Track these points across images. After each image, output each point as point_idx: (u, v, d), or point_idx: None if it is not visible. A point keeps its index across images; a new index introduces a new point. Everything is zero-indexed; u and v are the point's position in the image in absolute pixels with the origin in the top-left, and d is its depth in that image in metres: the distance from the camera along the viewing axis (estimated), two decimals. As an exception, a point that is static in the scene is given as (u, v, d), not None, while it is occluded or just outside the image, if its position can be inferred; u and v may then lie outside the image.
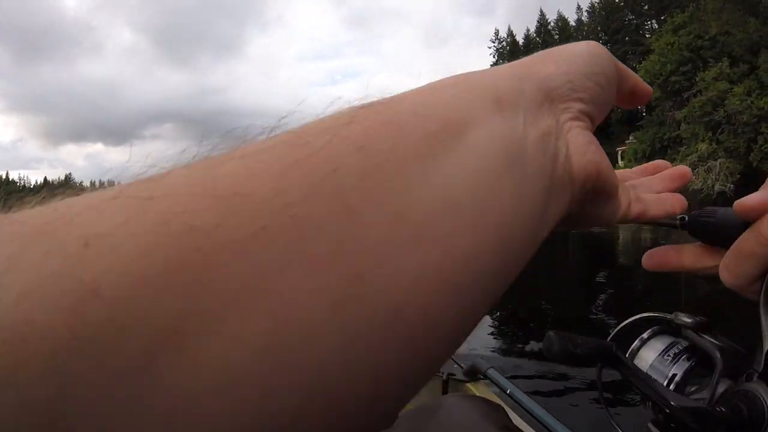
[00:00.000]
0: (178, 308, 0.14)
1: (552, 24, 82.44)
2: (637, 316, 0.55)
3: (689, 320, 0.47)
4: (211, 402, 0.14)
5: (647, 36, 64.69)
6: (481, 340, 5.25)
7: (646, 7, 65.83)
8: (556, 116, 0.27)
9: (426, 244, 0.18)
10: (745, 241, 0.38)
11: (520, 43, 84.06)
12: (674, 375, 0.44)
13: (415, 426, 0.88)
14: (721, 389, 0.40)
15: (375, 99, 0.23)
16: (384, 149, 0.19)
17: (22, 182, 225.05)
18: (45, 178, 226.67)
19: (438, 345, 0.20)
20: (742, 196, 0.36)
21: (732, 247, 0.38)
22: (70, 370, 0.13)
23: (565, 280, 9.76)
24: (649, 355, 0.46)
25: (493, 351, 4.95)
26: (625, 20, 67.43)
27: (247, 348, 0.15)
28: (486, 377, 1.87)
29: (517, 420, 1.40)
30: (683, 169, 0.45)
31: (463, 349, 3.85)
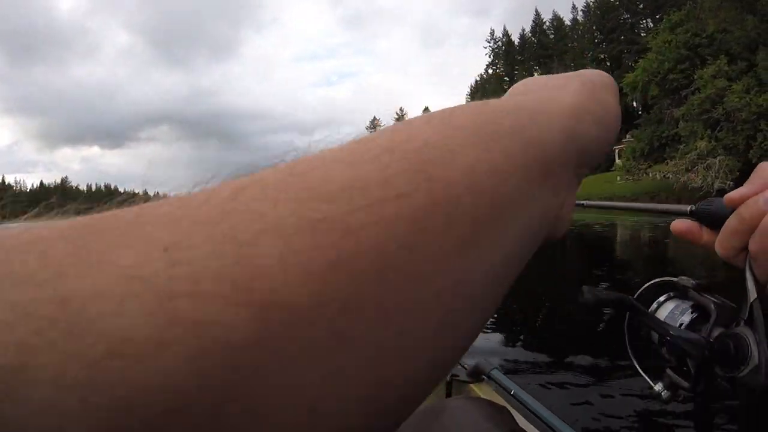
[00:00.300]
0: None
1: (547, 24, 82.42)
2: (653, 281, 0.68)
3: (692, 282, 0.58)
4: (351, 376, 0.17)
5: (642, 35, 64.52)
6: (485, 340, 5.18)
7: (641, 5, 65.70)
8: (573, 185, 0.30)
9: (478, 292, 0.22)
10: (730, 221, 0.51)
11: (516, 43, 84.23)
12: (681, 324, 0.54)
13: (419, 429, 0.90)
14: (715, 333, 0.51)
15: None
16: (443, 228, 0.20)
17: (18, 186, 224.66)
18: (41, 182, 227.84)
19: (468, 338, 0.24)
20: (741, 193, 0.50)
21: (722, 227, 0.52)
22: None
23: (565, 278, 9.53)
24: (662, 314, 0.57)
25: (496, 351, 4.83)
26: (621, 19, 67.21)
27: (363, 353, 0.17)
28: (490, 378, 1.88)
29: (522, 422, 1.43)
30: None
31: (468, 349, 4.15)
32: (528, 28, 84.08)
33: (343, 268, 0.17)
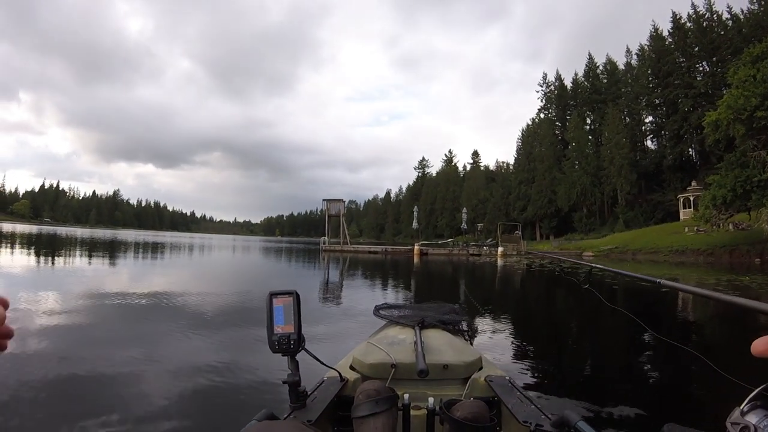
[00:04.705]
0: None
1: (600, 67, 78.58)
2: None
3: None
4: None
5: (698, 78, 60.16)
6: (571, 390, 4.70)
7: (696, 48, 61.44)
8: None
9: None
10: None
11: (568, 87, 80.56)
12: None
13: None
14: None
15: None
16: None
17: (72, 192, 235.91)
18: (94, 192, 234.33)
19: None
20: None
21: None
22: None
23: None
24: (749, 421, 0.48)
25: (583, 402, 4.26)
26: (676, 62, 62.59)
27: None
28: (576, 431, 1.69)
29: None
30: None
31: (551, 399, 4.30)
32: (581, 72, 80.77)
33: None
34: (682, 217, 49.78)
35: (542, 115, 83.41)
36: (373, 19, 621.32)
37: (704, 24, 61.25)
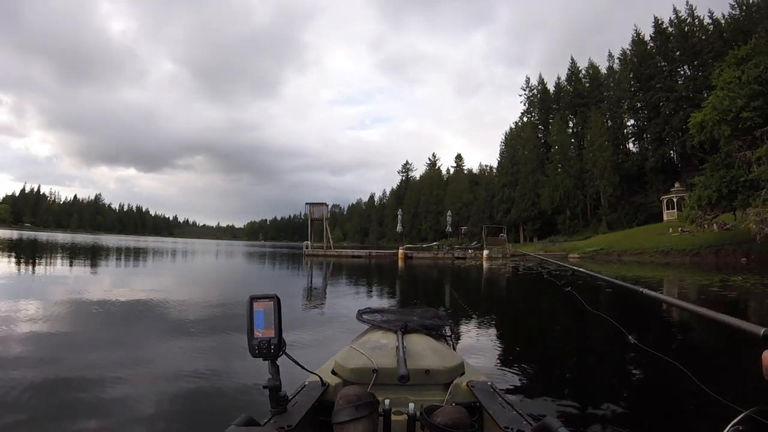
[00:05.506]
0: None
1: (583, 72, 78.83)
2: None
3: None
4: None
5: (680, 82, 60.37)
6: (554, 397, 4.58)
7: (678, 53, 61.71)
8: None
9: None
10: None
11: (551, 91, 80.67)
12: None
13: None
14: None
15: None
16: None
17: (53, 197, 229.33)
18: (75, 196, 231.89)
19: None
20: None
21: None
22: None
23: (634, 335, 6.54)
24: None
25: (565, 409, 4.20)
26: (658, 66, 62.76)
27: None
28: None
29: None
30: None
31: (533, 405, 4.24)
32: (563, 76, 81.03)
33: None
34: (665, 218, 49.81)
35: (525, 119, 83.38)
36: (358, 22, 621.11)
37: (686, 29, 61.63)
